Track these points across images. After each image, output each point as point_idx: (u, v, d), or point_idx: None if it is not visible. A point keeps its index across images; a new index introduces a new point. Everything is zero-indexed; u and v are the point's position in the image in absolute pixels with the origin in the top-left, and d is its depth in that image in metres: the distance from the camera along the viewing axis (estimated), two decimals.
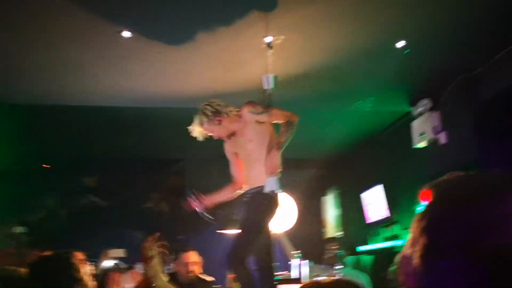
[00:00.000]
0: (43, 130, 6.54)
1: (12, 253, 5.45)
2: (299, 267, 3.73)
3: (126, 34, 3.85)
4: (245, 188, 3.93)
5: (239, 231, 3.90)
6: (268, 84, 3.58)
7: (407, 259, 0.81)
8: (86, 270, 2.74)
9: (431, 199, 0.80)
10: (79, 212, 7.70)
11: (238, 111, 3.85)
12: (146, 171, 7.85)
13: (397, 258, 0.86)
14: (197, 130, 3.85)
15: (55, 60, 4.41)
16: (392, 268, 4.34)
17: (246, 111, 3.82)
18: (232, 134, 3.93)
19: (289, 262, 3.97)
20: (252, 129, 3.84)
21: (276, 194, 3.54)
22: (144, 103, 5.39)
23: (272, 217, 3.72)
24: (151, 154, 7.60)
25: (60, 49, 4.21)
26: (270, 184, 3.49)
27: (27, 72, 4.67)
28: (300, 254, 3.91)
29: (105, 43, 4.08)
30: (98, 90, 5.08)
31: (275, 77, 3.56)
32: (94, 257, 4.47)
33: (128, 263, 4.65)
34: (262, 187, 3.68)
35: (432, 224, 0.78)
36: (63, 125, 6.35)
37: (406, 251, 0.81)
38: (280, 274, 3.84)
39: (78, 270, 2.63)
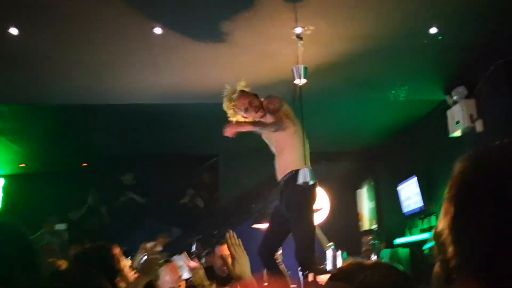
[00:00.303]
0: (81, 130, 6.73)
1: (54, 248, 5.62)
2: (333, 259, 3.71)
3: (158, 30, 3.92)
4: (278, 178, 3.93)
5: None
6: (299, 75, 3.57)
7: (439, 232, 0.80)
8: (125, 262, 2.83)
9: (459, 169, 0.79)
10: (118, 209, 7.87)
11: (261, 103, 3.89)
12: (182, 167, 7.96)
13: (433, 232, 0.85)
14: (226, 105, 3.88)
15: (91, 61, 4.53)
16: (428, 244, 4.26)
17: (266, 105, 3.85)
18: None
19: (324, 254, 3.96)
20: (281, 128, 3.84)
21: (311, 183, 3.52)
22: (178, 100, 5.46)
23: (312, 201, 3.72)
24: (186, 150, 7.69)
25: (96, 50, 4.33)
26: (303, 175, 3.48)
27: (65, 74, 4.81)
28: (334, 246, 3.90)
29: (138, 41, 4.16)
30: (134, 88, 5.18)
31: (306, 68, 3.55)
32: (133, 251, 4.57)
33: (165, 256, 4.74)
34: (292, 172, 3.69)
35: (458, 193, 0.77)
36: (100, 123, 6.51)
37: (439, 224, 0.81)
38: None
39: (118, 262, 2.71)
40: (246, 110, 3.86)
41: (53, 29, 3.97)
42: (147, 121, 6.37)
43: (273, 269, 3.78)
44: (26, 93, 5.31)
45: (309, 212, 3.69)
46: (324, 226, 5.91)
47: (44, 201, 7.61)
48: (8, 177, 8.51)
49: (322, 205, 5.34)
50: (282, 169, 3.84)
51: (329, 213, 6.95)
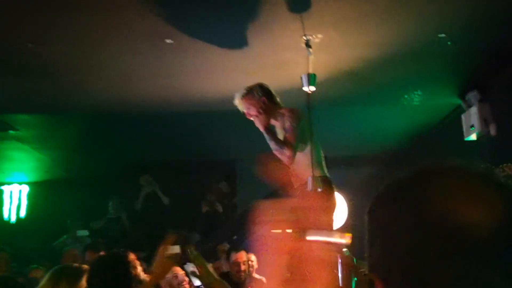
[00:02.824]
0: (104, 138, 6.89)
1: (76, 253, 5.77)
2: (342, 265, 3.73)
3: (173, 40, 4.01)
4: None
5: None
6: (307, 83, 3.61)
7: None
8: (140, 268, 2.92)
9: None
10: (140, 215, 7.99)
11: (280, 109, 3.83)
12: (200, 174, 8.06)
13: None
14: (237, 100, 3.81)
15: (112, 70, 4.67)
16: None
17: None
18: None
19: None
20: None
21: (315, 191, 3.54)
22: (194, 107, 5.57)
23: (330, 208, 3.71)
24: (204, 157, 7.80)
25: (117, 60, 4.46)
26: (311, 183, 3.52)
27: (87, 84, 4.96)
28: (348, 252, 3.92)
29: (155, 51, 4.27)
30: (154, 97, 5.30)
31: (314, 76, 3.59)
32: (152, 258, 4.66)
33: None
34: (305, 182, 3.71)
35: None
36: (122, 132, 6.66)
37: None
38: None
39: (134, 268, 2.79)
40: (248, 113, 3.79)
41: (75, 40, 4.09)
42: (168, 129, 6.50)
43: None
44: (49, 103, 5.49)
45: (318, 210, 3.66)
46: (342, 230, 5.92)
47: (67, 208, 7.80)
48: (33, 184, 8.74)
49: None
50: (294, 178, 3.83)
51: (347, 218, 6.94)
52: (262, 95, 3.76)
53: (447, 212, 0.66)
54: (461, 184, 0.69)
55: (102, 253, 5.47)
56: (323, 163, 3.77)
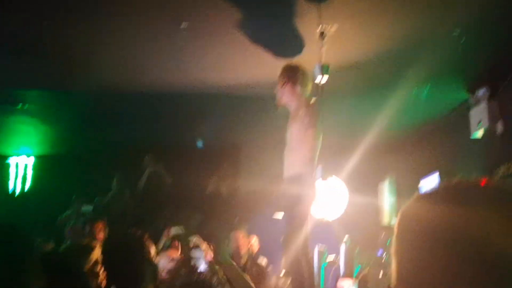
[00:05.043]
0: (110, 117, 6.91)
1: (80, 229, 5.84)
2: (346, 253, 3.81)
3: (184, 25, 4.01)
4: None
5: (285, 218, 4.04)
6: (320, 73, 3.63)
7: None
8: (153, 249, 2.90)
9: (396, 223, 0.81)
10: (143, 193, 8.04)
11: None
12: (205, 156, 8.10)
13: None
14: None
15: (119, 50, 4.67)
16: None
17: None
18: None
19: (339, 247, 4.05)
20: (295, 122, 3.92)
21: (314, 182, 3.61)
22: (202, 91, 5.58)
23: (310, 201, 3.81)
24: (209, 140, 7.84)
25: (123, 40, 4.46)
26: (320, 172, 3.57)
27: (93, 62, 4.97)
28: (349, 240, 3.99)
29: (165, 35, 4.27)
30: (162, 78, 5.31)
31: (327, 66, 3.61)
32: (156, 237, 4.72)
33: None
34: (295, 175, 3.79)
35: (396, 247, 0.80)
36: (128, 112, 6.68)
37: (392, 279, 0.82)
38: (328, 260, 3.95)
39: (149, 251, 2.70)
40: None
41: (82, 19, 4.09)
42: (174, 111, 6.52)
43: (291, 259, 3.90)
44: (58, 80, 5.51)
45: (300, 203, 3.79)
46: (342, 218, 5.98)
47: (72, 183, 7.86)
48: (37, 158, 8.79)
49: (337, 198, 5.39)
50: (286, 168, 3.94)
51: (348, 206, 7.00)
52: (287, 79, 3.95)
53: (484, 242, 0.67)
54: (496, 209, 0.69)
55: (100, 225, 5.54)
56: None
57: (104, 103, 6.46)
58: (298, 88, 3.96)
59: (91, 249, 3.17)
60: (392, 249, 0.79)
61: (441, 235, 0.71)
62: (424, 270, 0.71)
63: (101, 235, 5.44)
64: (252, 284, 3.55)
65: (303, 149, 3.74)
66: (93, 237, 5.27)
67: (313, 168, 3.76)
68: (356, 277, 3.94)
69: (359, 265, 3.68)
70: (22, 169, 8.66)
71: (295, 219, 3.81)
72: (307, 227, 3.90)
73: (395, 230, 0.80)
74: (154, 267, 2.76)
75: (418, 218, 0.77)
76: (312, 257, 3.92)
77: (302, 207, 3.78)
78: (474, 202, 0.71)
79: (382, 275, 3.77)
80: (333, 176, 5.10)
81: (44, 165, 8.68)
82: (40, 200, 8.02)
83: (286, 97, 4.00)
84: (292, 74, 3.97)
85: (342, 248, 3.77)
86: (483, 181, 0.75)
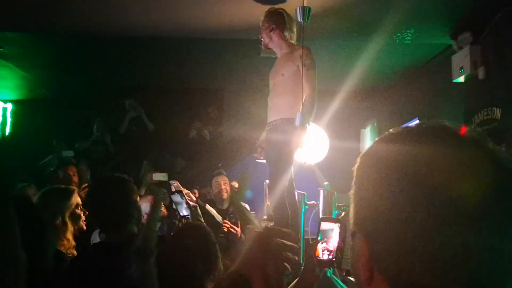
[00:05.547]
0: (89, 60, 6.78)
1: (60, 175, 5.81)
2: (325, 199, 3.89)
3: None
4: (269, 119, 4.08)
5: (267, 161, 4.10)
6: (302, 16, 3.57)
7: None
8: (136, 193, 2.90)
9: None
10: (124, 138, 8.01)
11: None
12: (188, 100, 8.04)
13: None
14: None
15: None
16: None
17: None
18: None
19: (317, 193, 4.12)
20: (288, 66, 3.92)
21: (302, 126, 3.64)
22: (184, 33, 5.47)
23: (295, 146, 3.84)
24: (192, 84, 7.76)
25: None
26: (298, 118, 3.59)
27: (72, 3, 4.80)
28: (329, 186, 4.04)
29: None
30: (143, 21, 5.17)
31: (309, 8, 3.55)
32: (137, 181, 4.73)
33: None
34: (284, 119, 3.81)
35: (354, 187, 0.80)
36: (108, 55, 6.55)
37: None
38: (308, 203, 4.02)
39: (133, 194, 2.73)
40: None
41: None
42: (156, 54, 6.40)
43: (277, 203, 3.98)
44: (34, 22, 5.33)
45: (286, 146, 3.83)
46: (324, 164, 6.05)
47: (51, 127, 7.78)
48: (16, 103, 8.65)
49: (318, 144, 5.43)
50: (273, 113, 3.96)
51: (329, 152, 7.06)
52: (275, 25, 3.98)
53: (439, 184, 0.66)
54: (454, 154, 0.68)
55: (74, 169, 5.53)
56: None
57: (84, 46, 6.31)
58: (287, 33, 4.02)
59: (71, 193, 3.18)
60: (351, 192, 0.78)
61: (396, 175, 0.69)
62: (380, 212, 0.70)
63: (75, 178, 5.45)
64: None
65: (307, 89, 3.79)
66: (70, 180, 5.28)
67: (315, 108, 3.83)
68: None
69: (336, 210, 3.77)
70: (0, 115, 8.53)
71: (280, 162, 3.86)
72: (292, 171, 3.97)
73: (354, 172, 0.79)
74: (139, 210, 2.77)
75: (375, 159, 0.76)
76: (296, 201, 4.00)
77: (288, 150, 3.82)
78: (432, 145, 0.69)
79: None
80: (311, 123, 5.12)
81: (23, 110, 8.56)
82: (20, 145, 7.95)
83: (274, 42, 4.05)
84: (281, 20, 4.00)
85: (322, 194, 3.84)
86: (462, 129, 0.73)
